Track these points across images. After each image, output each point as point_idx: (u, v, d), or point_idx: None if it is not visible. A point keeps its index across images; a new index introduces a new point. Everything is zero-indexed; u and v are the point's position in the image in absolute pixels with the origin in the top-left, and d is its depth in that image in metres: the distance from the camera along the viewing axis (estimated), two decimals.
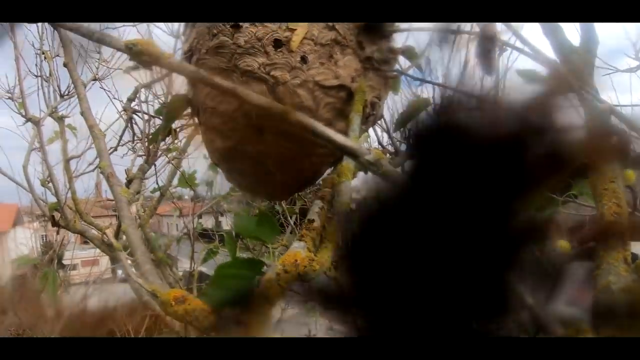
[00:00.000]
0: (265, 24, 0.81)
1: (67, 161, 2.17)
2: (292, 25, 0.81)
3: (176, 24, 2.10)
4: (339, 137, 0.39)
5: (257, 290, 0.46)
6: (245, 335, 0.42)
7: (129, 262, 0.59)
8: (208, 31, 0.86)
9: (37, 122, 2.20)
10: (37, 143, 2.27)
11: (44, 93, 2.33)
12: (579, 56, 0.67)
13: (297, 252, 0.55)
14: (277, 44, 0.82)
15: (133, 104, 1.07)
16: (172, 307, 0.45)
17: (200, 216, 3.14)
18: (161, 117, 1.05)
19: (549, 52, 0.70)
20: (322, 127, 0.40)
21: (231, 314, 0.44)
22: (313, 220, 0.64)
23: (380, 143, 1.21)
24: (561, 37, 0.68)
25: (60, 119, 2.27)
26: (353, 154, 0.39)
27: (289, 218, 2.78)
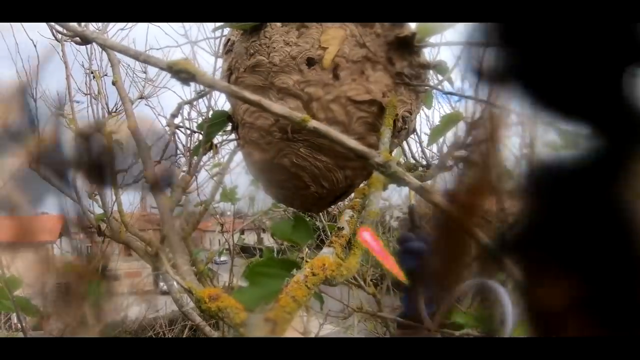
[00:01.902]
0: (299, 43, 0.85)
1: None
2: (324, 43, 0.85)
3: (218, 44, 2.17)
4: (350, 141, 0.42)
5: (285, 289, 0.50)
6: (273, 334, 0.45)
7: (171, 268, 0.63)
8: (245, 51, 0.90)
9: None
10: None
11: (92, 110, 2.44)
12: None
13: (325, 257, 0.59)
14: (310, 62, 0.86)
15: (176, 120, 1.12)
16: (206, 304, 0.48)
17: (242, 232, 3.19)
18: (202, 132, 1.10)
19: None
20: (337, 132, 0.43)
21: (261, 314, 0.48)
22: (342, 228, 0.68)
23: (413, 157, 1.23)
24: None
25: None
26: (363, 156, 0.42)
27: (330, 234, 2.80)
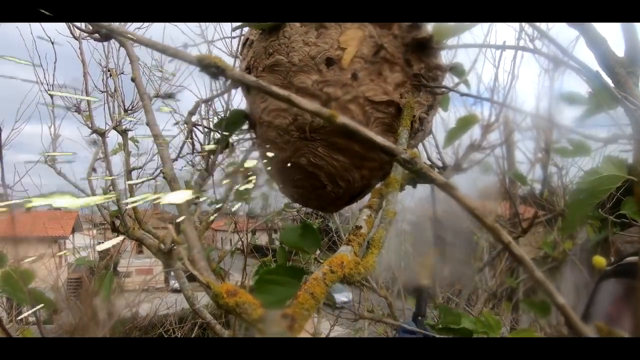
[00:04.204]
0: (318, 43, 0.86)
1: (128, 172, 2.28)
2: (343, 44, 0.85)
3: (234, 46, 2.19)
4: (378, 138, 0.43)
5: (303, 286, 0.50)
6: (290, 330, 0.45)
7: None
8: (264, 50, 0.91)
9: (102, 134, 2.31)
10: (101, 154, 2.38)
11: (109, 107, 2.45)
12: (622, 67, 0.67)
13: (343, 255, 0.59)
14: (329, 62, 0.86)
15: (194, 118, 1.13)
16: (224, 299, 0.48)
17: (254, 232, 3.20)
18: (220, 131, 1.11)
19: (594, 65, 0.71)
20: (364, 129, 0.44)
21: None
22: (360, 227, 0.67)
23: (429, 158, 1.23)
24: (605, 49, 0.68)
25: (123, 132, 2.38)
26: (391, 153, 0.42)
27: (343, 235, 2.80)
